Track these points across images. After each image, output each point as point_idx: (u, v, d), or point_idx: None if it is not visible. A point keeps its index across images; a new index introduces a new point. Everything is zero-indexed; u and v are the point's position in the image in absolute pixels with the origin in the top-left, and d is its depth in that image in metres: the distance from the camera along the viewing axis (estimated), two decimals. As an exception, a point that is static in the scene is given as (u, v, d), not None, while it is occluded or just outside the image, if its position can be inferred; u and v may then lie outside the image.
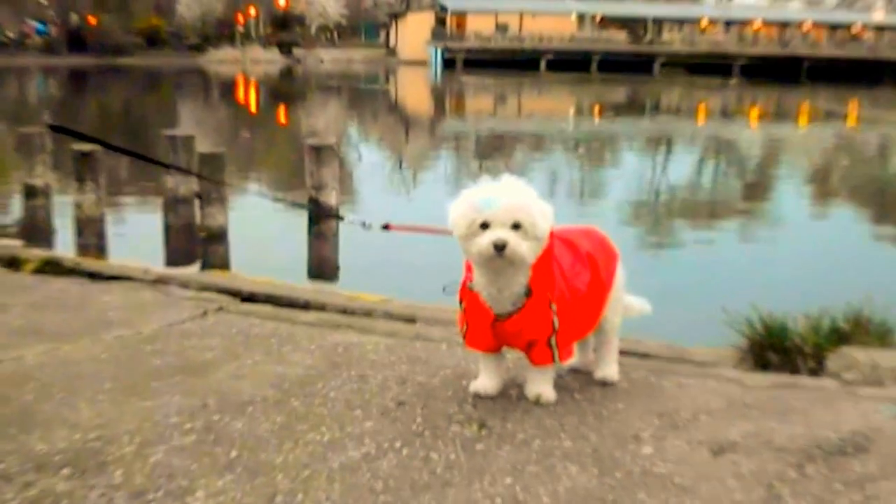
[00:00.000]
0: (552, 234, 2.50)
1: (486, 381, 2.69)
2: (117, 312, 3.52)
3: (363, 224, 3.38)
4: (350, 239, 7.21)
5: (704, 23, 64.47)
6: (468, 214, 2.36)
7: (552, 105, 32.88)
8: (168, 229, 7.85)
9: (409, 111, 29.64)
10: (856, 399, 2.74)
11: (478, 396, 2.66)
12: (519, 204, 2.37)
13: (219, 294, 4.00)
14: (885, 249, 8.77)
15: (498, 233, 2.33)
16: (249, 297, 4.02)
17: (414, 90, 41.42)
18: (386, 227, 3.26)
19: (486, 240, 2.33)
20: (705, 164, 16.53)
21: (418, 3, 72.26)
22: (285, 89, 35.83)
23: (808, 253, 8.46)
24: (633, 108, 31.24)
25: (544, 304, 2.51)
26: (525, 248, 2.36)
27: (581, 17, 63.46)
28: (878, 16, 66.41)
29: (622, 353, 2.91)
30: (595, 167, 15.24)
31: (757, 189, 13.33)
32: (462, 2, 63.54)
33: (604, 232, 2.90)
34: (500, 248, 2.33)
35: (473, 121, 24.29)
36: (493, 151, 17.00)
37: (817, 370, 3.02)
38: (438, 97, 36.76)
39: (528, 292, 2.49)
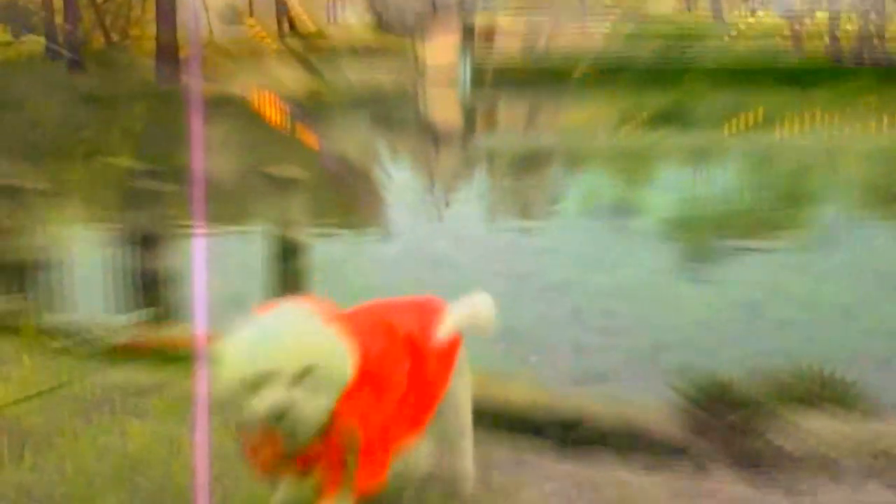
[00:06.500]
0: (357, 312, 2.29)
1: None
2: None
3: None
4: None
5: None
6: (233, 371, 1.92)
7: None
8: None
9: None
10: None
11: None
12: (307, 345, 1.96)
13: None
14: None
15: (275, 394, 1.87)
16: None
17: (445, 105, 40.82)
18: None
19: (262, 403, 1.90)
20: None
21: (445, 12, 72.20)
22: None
23: None
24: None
25: (345, 421, 2.13)
26: (314, 409, 1.93)
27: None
28: None
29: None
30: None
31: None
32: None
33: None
34: (278, 416, 1.91)
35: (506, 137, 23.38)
36: (529, 170, 16.15)
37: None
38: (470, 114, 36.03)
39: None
